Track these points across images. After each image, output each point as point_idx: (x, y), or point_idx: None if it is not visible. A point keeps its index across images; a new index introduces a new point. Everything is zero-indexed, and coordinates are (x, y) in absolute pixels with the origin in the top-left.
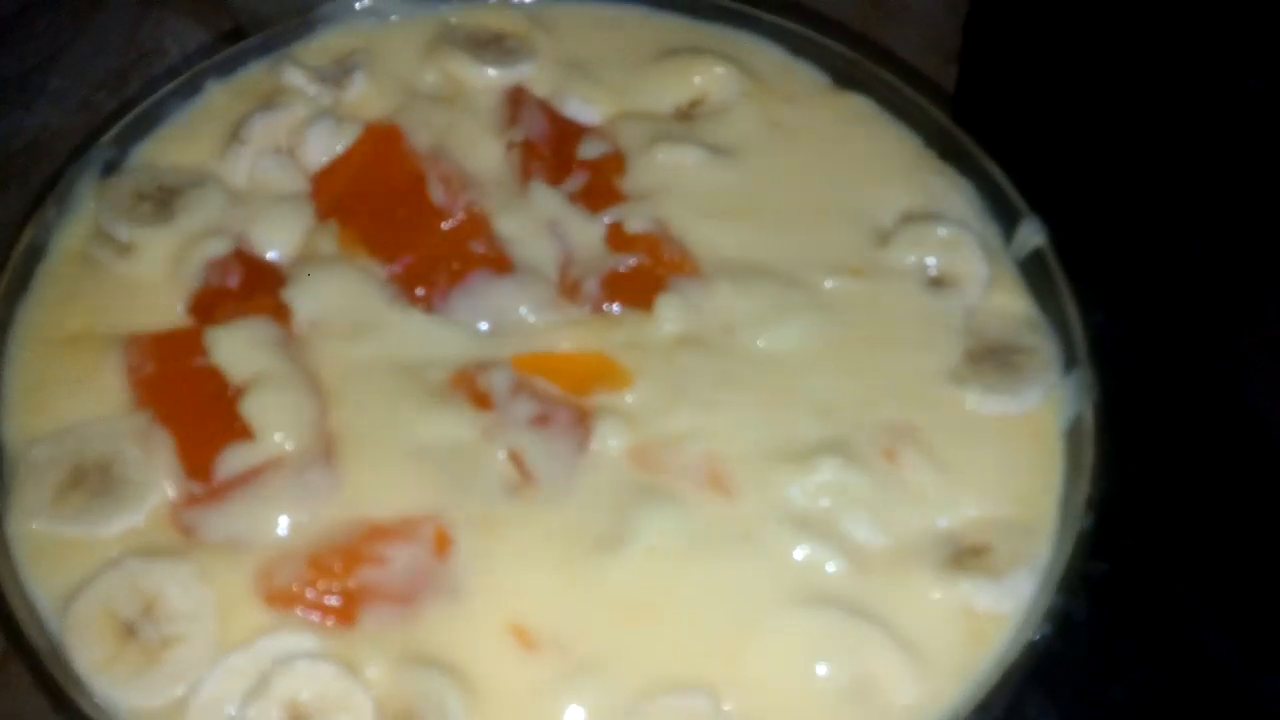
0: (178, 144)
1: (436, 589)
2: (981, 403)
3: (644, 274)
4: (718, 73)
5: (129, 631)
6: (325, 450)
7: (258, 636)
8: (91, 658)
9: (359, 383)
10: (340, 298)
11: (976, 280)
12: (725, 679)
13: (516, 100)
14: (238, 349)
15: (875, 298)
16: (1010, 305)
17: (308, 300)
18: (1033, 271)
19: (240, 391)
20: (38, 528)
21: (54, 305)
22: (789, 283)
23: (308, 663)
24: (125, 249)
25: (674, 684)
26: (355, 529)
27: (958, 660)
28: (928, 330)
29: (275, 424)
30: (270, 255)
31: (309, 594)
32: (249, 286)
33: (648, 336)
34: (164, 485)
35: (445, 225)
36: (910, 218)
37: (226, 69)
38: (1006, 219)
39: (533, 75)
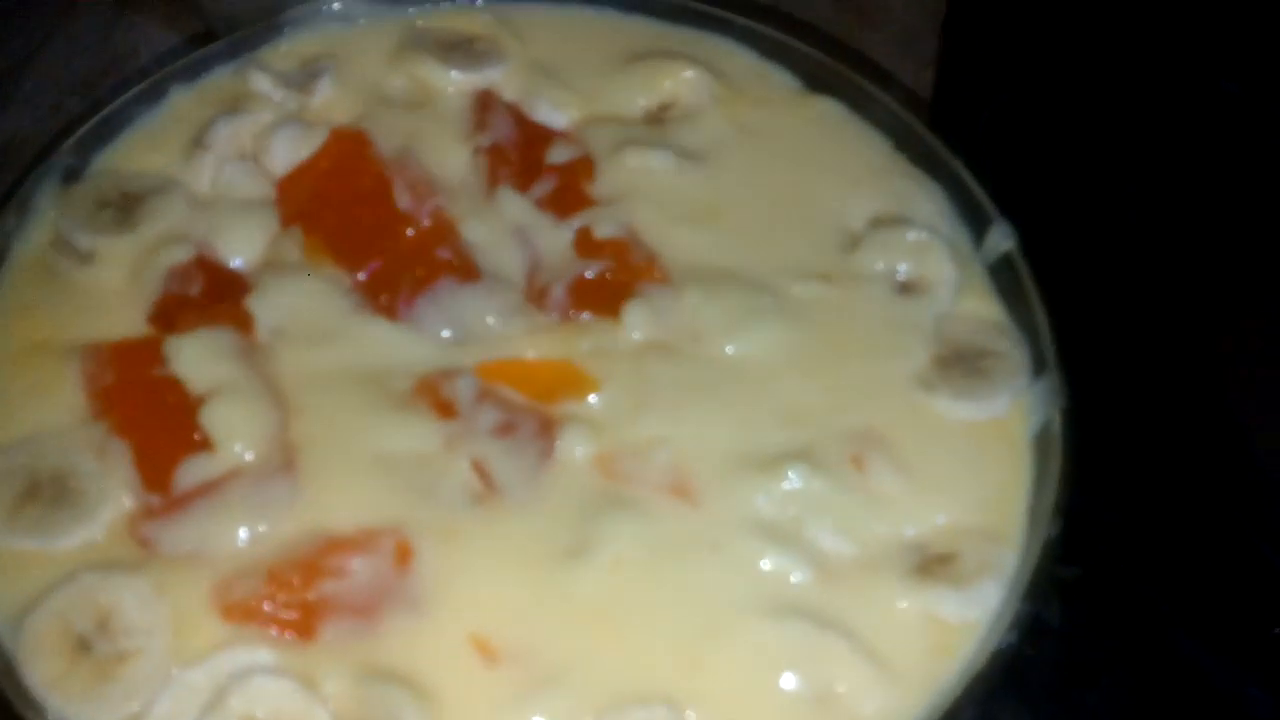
0: (141, 150)
1: (397, 601)
2: (950, 409)
3: (612, 280)
4: (687, 77)
5: (83, 646)
6: (286, 461)
7: (214, 651)
8: (45, 674)
9: (321, 392)
10: (303, 306)
11: (946, 285)
12: (689, 690)
13: (485, 104)
14: (198, 358)
15: (844, 303)
16: (980, 310)
17: (270, 309)
18: (1002, 276)
19: (200, 401)
20: None
21: (12, 314)
22: (757, 288)
23: (265, 678)
24: (86, 257)
25: (637, 695)
26: (315, 541)
27: (924, 670)
28: (896, 336)
29: (235, 434)
30: (234, 263)
31: (267, 607)
32: (211, 295)
33: (615, 344)
34: (122, 497)
35: (411, 232)
36: (879, 222)
37: (191, 74)
38: (976, 223)
39: (501, 79)
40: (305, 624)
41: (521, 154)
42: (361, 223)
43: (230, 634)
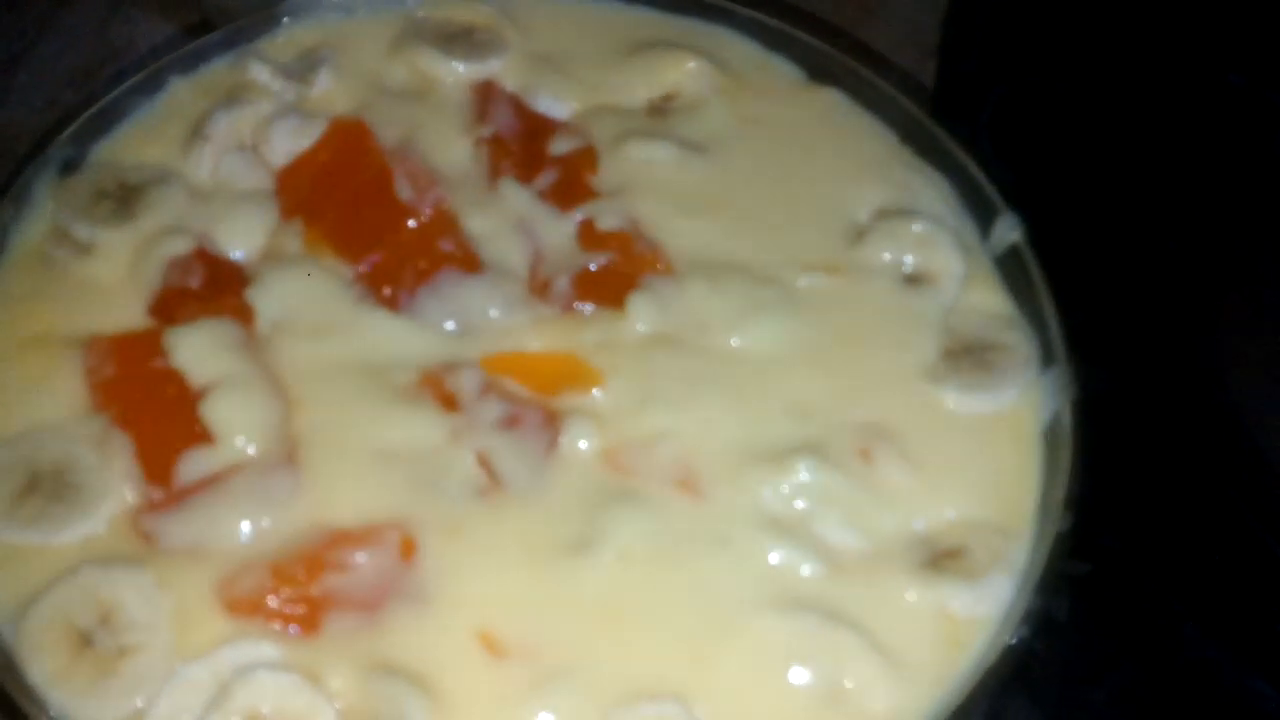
0: (140, 141)
1: (402, 595)
2: (958, 402)
3: (615, 272)
4: (690, 67)
5: (85, 642)
6: (288, 454)
7: (218, 646)
8: (47, 669)
9: (323, 385)
10: (305, 298)
11: (952, 277)
12: (698, 685)
13: (486, 95)
14: (199, 351)
15: (850, 295)
16: (987, 302)
17: (271, 301)
18: (1010, 268)
19: (201, 394)
20: None
21: (11, 306)
22: (763, 280)
23: (269, 673)
24: (85, 249)
25: (645, 691)
26: (319, 535)
27: (935, 664)
28: (903, 328)
29: (237, 427)
30: (234, 254)
31: (271, 602)
32: (211, 286)
33: (619, 336)
34: (123, 490)
35: (412, 223)
36: (885, 214)
37: (190, 64)
38: (983, 214)
39: (502, 70)
40: (309, 618)
41: (523, 145)
42: (362, 214)
43: (233, 628)
